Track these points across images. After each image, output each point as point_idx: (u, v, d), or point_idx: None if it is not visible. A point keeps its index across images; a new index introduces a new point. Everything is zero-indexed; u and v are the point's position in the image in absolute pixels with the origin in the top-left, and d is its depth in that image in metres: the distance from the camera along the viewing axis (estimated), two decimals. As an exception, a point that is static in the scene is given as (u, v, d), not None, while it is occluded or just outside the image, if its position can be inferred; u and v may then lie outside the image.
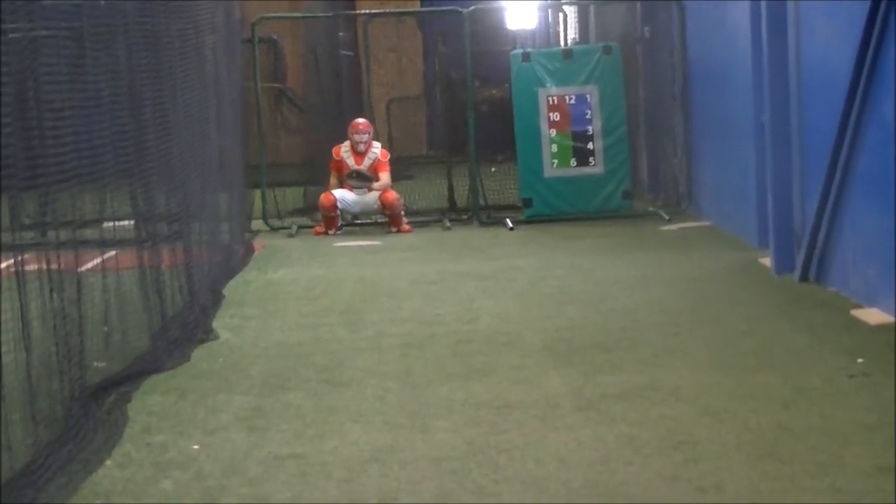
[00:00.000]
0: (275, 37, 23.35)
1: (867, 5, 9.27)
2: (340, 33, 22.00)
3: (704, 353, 8.67)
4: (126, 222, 9.61)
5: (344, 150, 16.46)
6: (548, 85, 16.22)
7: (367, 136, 16.44)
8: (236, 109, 14.80)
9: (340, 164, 16.41)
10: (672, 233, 14.81)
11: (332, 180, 16.49)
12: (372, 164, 16.32)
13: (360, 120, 16.92)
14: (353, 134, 16.46)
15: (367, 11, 21.12)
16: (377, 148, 16.52)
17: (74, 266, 7.71)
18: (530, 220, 16.11)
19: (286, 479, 6.36)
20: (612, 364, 8.45)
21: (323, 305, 11.24)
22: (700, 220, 15.31)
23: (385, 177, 16.35)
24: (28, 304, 6.89)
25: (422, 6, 25.91)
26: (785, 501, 5.78)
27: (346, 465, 6.54)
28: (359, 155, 16.34)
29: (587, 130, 16.21)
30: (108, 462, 6.81)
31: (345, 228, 16.57)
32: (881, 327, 8.96)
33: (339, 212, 16.30)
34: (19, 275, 6.75)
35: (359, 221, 16.81)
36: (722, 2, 13.85)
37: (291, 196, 18.30)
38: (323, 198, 16.30)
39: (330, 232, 16.22)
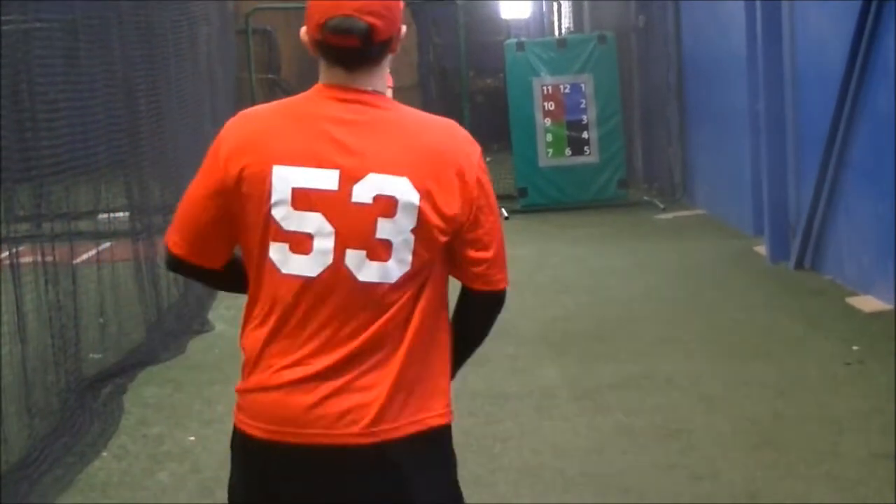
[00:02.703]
0: (269, 28, 23.31)
1: (861, -7, 9.28)
2: (334, 24, 21.95)
3: (700, 341, 8.68)
4: (121, 214, 9.62)
5: None
6: (542, 74, 16.19)
7: None
8: (231, 101, 14.78)
9: None
10: (667, 222, 14.82)
11: None
12: None
13: None
14: None
15: (361, 2, 21.07)
16: None
17: (69, 258, 7.71)
18: (526, 210, 16.09)
19: (282, 469, 6.36)
20: (608, 353, 8.46)
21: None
22: (695, 209, 15.32)
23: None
24: (23, 296, 6.89)
25: (416, -4, 25.86)
26: (780, 489, 5.79)
27: (343, 456, 6.53)
28: None
29: (582, 120, 16.19)
30: (105, 454, 6.82)
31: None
32: (876, 314, 8.97)
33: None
34: (14, 267, 6.75)
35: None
36: (716, -10, 13.84)
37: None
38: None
39: None
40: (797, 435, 6.52)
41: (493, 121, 19.22)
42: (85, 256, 8.70)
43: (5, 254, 6.78)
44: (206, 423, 7.29)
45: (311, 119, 2.89)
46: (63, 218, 7.76)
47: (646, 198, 16.59)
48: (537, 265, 12.17)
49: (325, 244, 2.83)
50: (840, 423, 6.67)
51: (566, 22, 22.62)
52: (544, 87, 16.18)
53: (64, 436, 6.86)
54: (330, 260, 2.83)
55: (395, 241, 2.83)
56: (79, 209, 8.38)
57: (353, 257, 2.83)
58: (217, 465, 6.49)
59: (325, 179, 2.83)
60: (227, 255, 3.02)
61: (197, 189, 2.96)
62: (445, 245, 2.92)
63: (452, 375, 3.11)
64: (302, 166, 2.84)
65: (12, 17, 6.97)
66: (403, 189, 2.82)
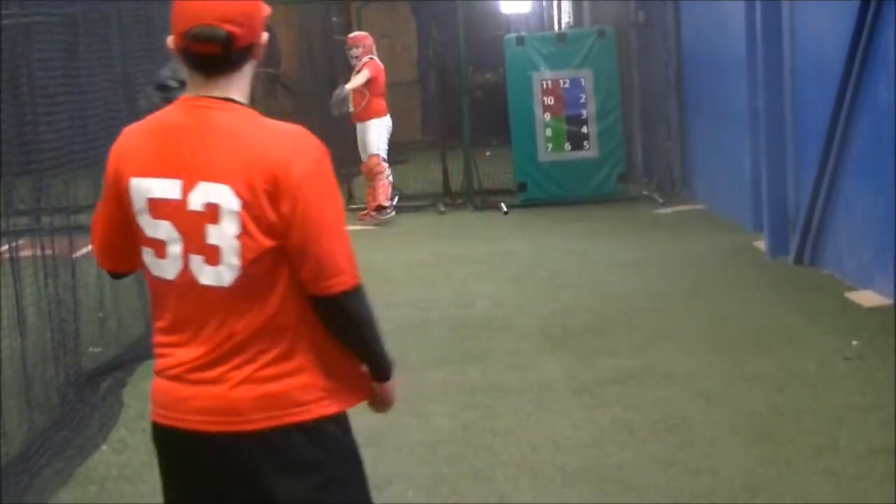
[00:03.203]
0: (268, 22, 23.28)
1: (861, -12, 9.27)
2: (334, 18, 21.95)
3: (699, 336, 8.68)
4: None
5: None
6: (542, 69, 16.17)
7: (359, 49, 15.01)
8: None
9: None
10: (666, 216, 14.81)
11: None
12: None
13: (352, 34, 15.58)
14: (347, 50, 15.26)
15: (361, -4, 21.06)
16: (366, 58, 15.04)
17: (69, 252, 7.71)
18: (525, 205, 16.07)
19: (282, 463, 6.36)
20: (607, 348, 8.46)
21: (318, 290, 11.20)
22: (694, 204, 15.30)
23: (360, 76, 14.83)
24: (23, 290, 6.89)
25: (416, -10, 25.82)
26: (779, 484, 5.80)
27: (342, 450, 6.53)
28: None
29: (581, 114, 16.17)
30: (104, 447, 6.82)
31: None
32: (876, 309, 8.97)
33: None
34: (14, 261, 6.76)
35: (353, 206, 16.51)
36: (716, -15, 13.83)
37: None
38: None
39: None
40: (796, 430, 6.52)
41: (493, 116, 19.18)
42: (84, 250, 8.67)
43: (5, 247, 6.78)
44: (206, 417, 7.28)
45: (167, 131, 3.14)
46: (62, 212, 7.76)
47: (645, 192, 16.56)
48: (536, 260, 12.17)
49: (175, 250, 3.08)
50: (839, 417, 6.68)
51: (566, 17, 22.64)
52: (544, 82, 16.16)
53: (63, 429, 6.87)
54: (181, 264, 3.09)
55: (223, 246, 3.03)
56: (78, 203, 8.37)
57: (194, 262, 3.07)
58: (216, 458, 6.50)
59: (171, 189, 3.07)
60: (139, 261, 3.27)
61: (102, 208, 3.27)
62: (278, 249, 3.05)
63: (378, 374, 3.32)
64: (154, 177, 3.09)
65: (12, 11, 6.97)
66: (225, 196, 3.01)
